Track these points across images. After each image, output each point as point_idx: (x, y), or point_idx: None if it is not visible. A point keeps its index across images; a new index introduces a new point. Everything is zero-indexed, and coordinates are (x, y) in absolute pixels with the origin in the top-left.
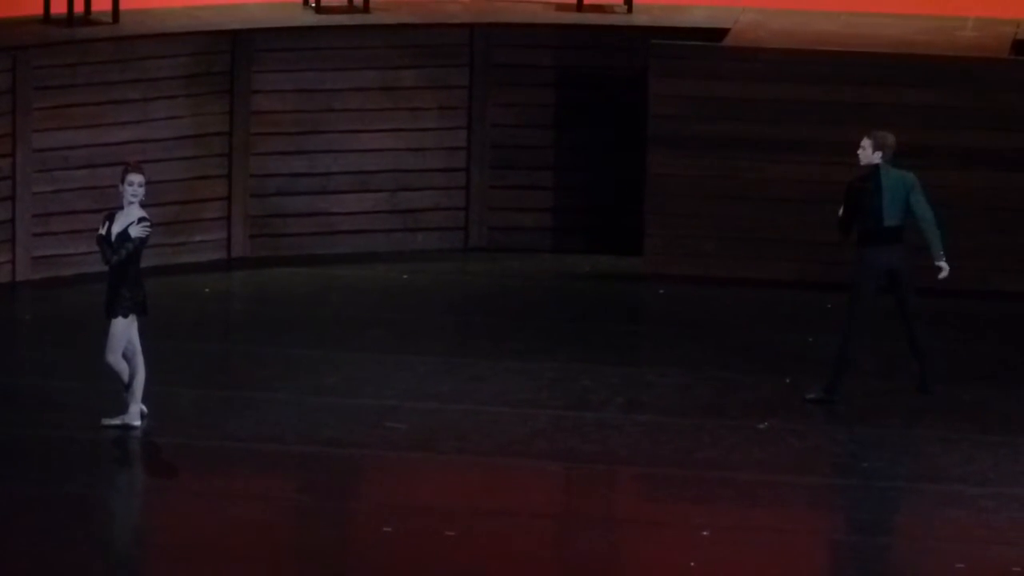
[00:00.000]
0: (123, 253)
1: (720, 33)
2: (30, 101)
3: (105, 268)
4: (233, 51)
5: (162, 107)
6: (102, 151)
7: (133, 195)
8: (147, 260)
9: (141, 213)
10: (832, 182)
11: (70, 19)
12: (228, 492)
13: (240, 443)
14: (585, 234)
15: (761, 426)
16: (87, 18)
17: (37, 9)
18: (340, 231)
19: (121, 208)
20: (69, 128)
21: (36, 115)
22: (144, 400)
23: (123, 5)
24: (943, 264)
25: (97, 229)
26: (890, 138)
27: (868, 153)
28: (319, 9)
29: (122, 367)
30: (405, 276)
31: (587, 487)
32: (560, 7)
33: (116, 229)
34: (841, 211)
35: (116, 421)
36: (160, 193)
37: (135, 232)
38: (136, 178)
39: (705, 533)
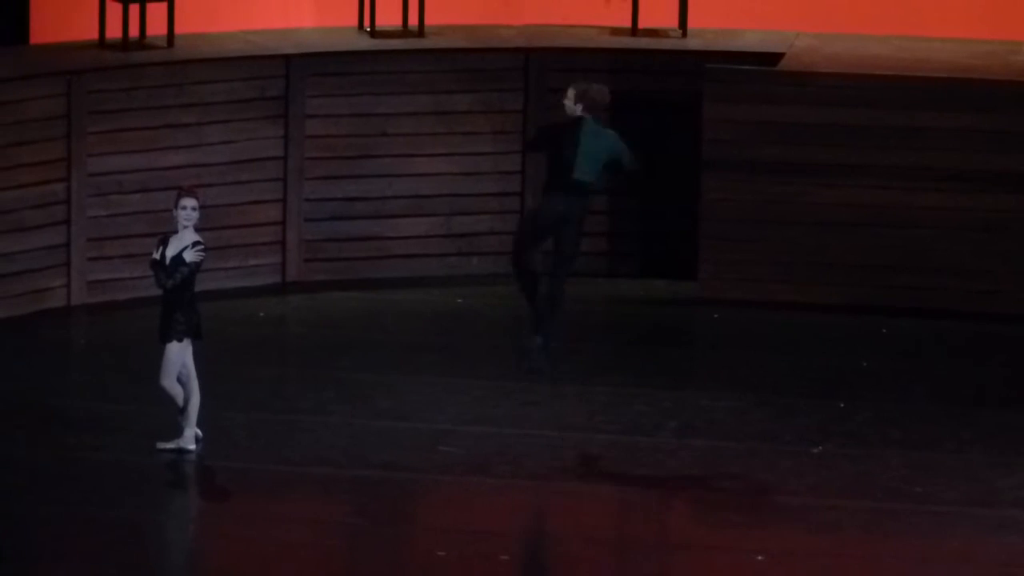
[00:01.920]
0: (177, 278)
1: (774, 57)
2: (85, 125)
3: (159, 292)
4: (287, 75)
5: (216, 131)
6: (156, 175)
7: (187, 219)
8: (201, 284)
9: (195, 237)
10: (886, 206)
11: (125, 43)
12: (282, 516)
13: (294, 467)
14: (639, 259)
15: (815, 450)
16: (142, 42)
17: (92, 34)
18: (394, 255)
19: (175, 232)
20: (123, 152)
21: (91, 139)
22: (199, 424)
23: (178, 29)
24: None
25: (151, 253)
26: (595, 91)
27: (571, 104)
28: (373, 34)
29: (176, 391)
30: (459, 300)
31: (641, 512)
32: (614, 31)
33: (170, 253)
34: (528, 144)
35: (171, 445)
36: (214, 217)
37: (190, 257)
38: (189, 202)
39: (759, 558)
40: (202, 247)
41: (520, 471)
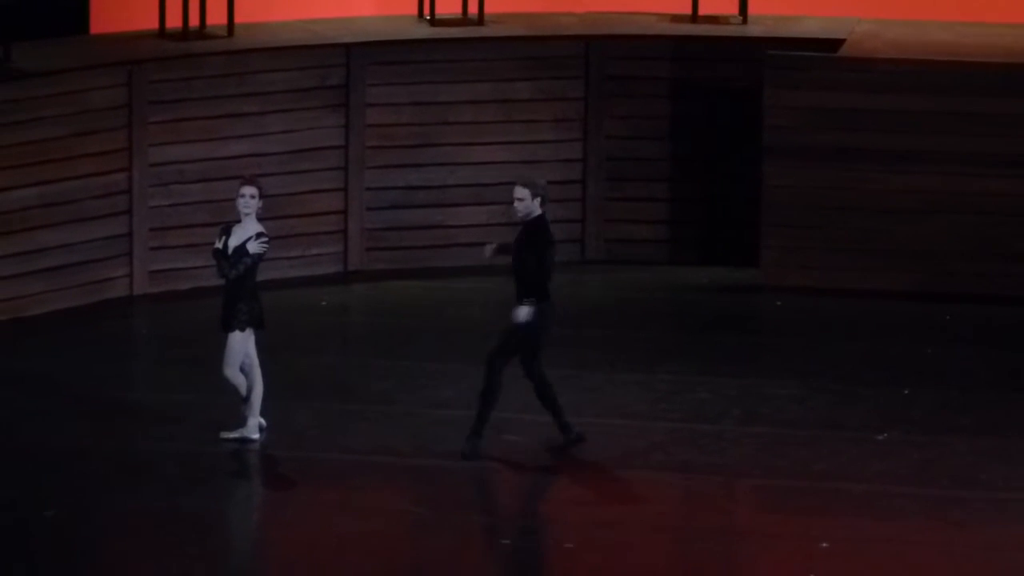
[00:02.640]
0: (240, 268)
1: (835, 44)
2: (146, 115)
3: (222, 282)
4: (348, 64)
5: (277, 121)
6: (217, 165)
7: (245, 207)
8: (264, 273)
9: (259, 227)
10: (948, 192)
11: (185, 33)
12: (345, 505)
13: (357, 456)
14: (701, 246)
15: (880, 437)
16: (202, 32)
17: (152, 24)
18: (456, 244)
19: (238, 222)
20: (184, 142)
21: (151, 129)
22: (262, 413)
23: (238, 19)
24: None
25: (213, 243)
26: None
27: (528, 204)
28: (433, 22)
29: (240, 380)
30: None
31: (705, 499)
32: (675, 19)
33: (233, 243)
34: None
35: (234, 435)
36: (276, 206)
37: (254, 248)
38: (248, 190)
39: (824, 545)
40: (266, 239)
41: (583, 459)
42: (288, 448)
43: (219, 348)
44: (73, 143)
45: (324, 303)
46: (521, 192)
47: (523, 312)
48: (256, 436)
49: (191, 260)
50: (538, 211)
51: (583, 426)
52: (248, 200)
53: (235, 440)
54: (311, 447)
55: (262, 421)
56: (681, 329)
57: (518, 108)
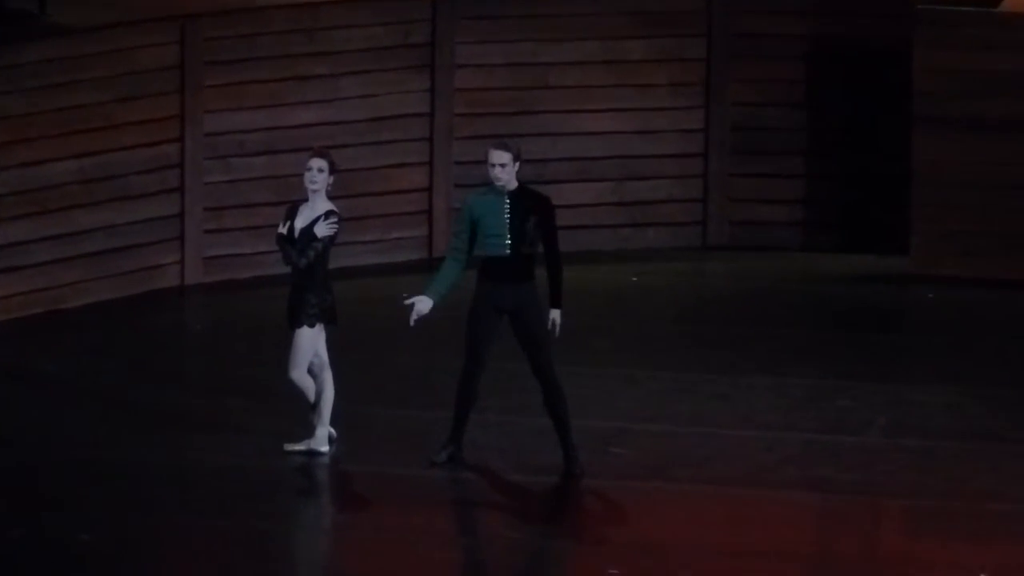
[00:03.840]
0: (310, 255)
1: None
2: (201, 78)
3: (288, 271)
4: (434, 19)
5: (353, 84)
6: (283, 135)
7: (313, 182)
8: (336, 261)
9: (329, 206)
10: None
11: None
12: (427, 528)
13: (442, 472)
14: (841, 229)
15: None
16: None
17: None
18: (558, 227)
19: (305, 200)
20: (245, 109)
21: (208, 93)
22: (333, 422)
23: None
24: None
25: (278, 226)
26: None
27: (511, 170)
28: None
29: (308, 384)
30: (634, 279)
31: (845, 522)
32: None
33: (300, 225)
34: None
35: (301, 447)
36: (351, 183)
37: (321, 231)
38: (316, 163)
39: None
40: (336, 218)
41: (704, 476)
42: (363, 462)
43: (284, 347)
44: (116, 110)
45: (406, 294)
46: (502, 156)
47: (559, 316)
48: (325, 448)
49: (252, 245)
50: (515, 179)
51: (703, 438)
52: (316, 175)
53: (302, 453)
54: (389, 461)
55: (332, 431)
56: (818, 326)
57: (630, 70)
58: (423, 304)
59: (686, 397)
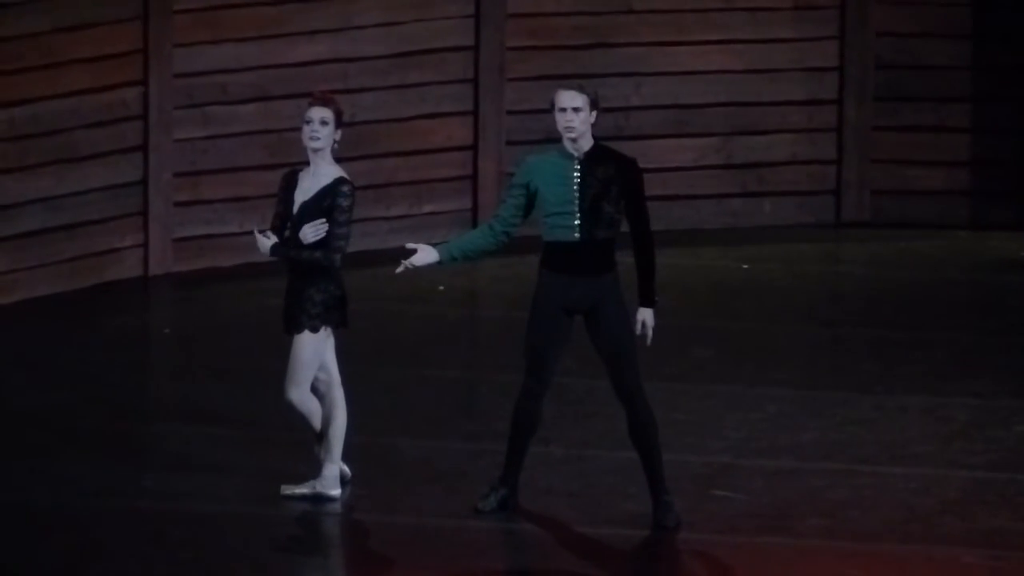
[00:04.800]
0: (340, 245)
1: None
2: (169, 0)
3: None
4: None
5: (371, 8)
6: (279, 76)
7: (313, 139)
8: (351, 243)
9: (338, 172)
10: None
11: None
12: None
13: (490, 522)
14: (1022, 200)
15: None
16: None
17: None
18: (646, 196)
19: (306, 166)
20: (228, 41)
21: (179, 21)
22: (345, 458)
23: None
24: None
25: (276, 202)
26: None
27: (588, 118)
28: None
29: (312, 408)
30: (745, 266)
31: None
32: None
33: (301, 199)
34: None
35: (304, 490)
36: (369, 140)
37: (309, 234)
38: (318, 113)
39: None
40: (349, 188)
41: (839, 527)
42: (385, 510)
43: (280, 358)
44: (57, 44)
45: (441, 288)
46: (575, 98)
47: (650, 316)
48: (336, 492)
49: (237, 222)
50: (590, 136)
51: (837, 477)
52: (318, 129)
53: (305, 497)
54: (420, 509)
55: (345, 469)
56: (989, 328)
57: None
58: (424, 255)
59: (814, 422)
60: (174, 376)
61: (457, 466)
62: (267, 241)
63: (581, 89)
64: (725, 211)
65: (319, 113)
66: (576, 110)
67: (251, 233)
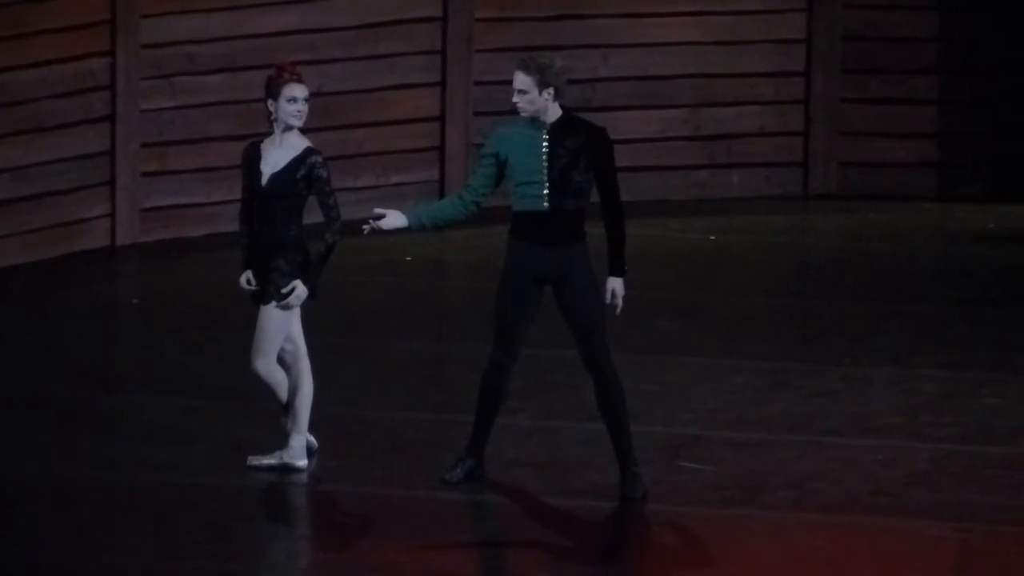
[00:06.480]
0: (335, 227)
1: None
2: None
3: (247, 226)
4: None
5: None
6: (247, 46)
7: (298, 116)
8: (318, 214)
9: (305, 143)
10: None
11: None
12: (437, 570)
13: (457, 494)
14: (989, 172)
15: None
16: None
17: None
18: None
19: (268, 135)
20: (196, 11)
21: None
22: (312, 428)
23: None
24: None
25: (239, 170)
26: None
27: (536, 98)
28: None
29: (278, 378)
30: (712, 237)
31: (989, 559)
32: None
33: (268, 171)
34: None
35: (270, 460)
36: (337, 111)
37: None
38: (301, 91)
39: None
40: (321, 158)
41: (806, 501)
42: (351, 481)
43: (246, 329)
44: (22, 12)
45: (409, 259)
46: (521, 80)
47: (620, 285)
48: (303, 463)
49: (205, 192)
50: (556, 108)
51: (805, 449)
52: (303, 106)
53: (271, 468)
54: (386, 480)
55: (311, 440)
56: (956, 300)
57: None
58: (393, 219)
59: (783, 395)
60: (142, 346)
61: (424, 437)
62: (302, 289)
63: (527, 70)
64: (693, 182)
65: (303, 91)
66: (521, 92)
67: (220, 204)
